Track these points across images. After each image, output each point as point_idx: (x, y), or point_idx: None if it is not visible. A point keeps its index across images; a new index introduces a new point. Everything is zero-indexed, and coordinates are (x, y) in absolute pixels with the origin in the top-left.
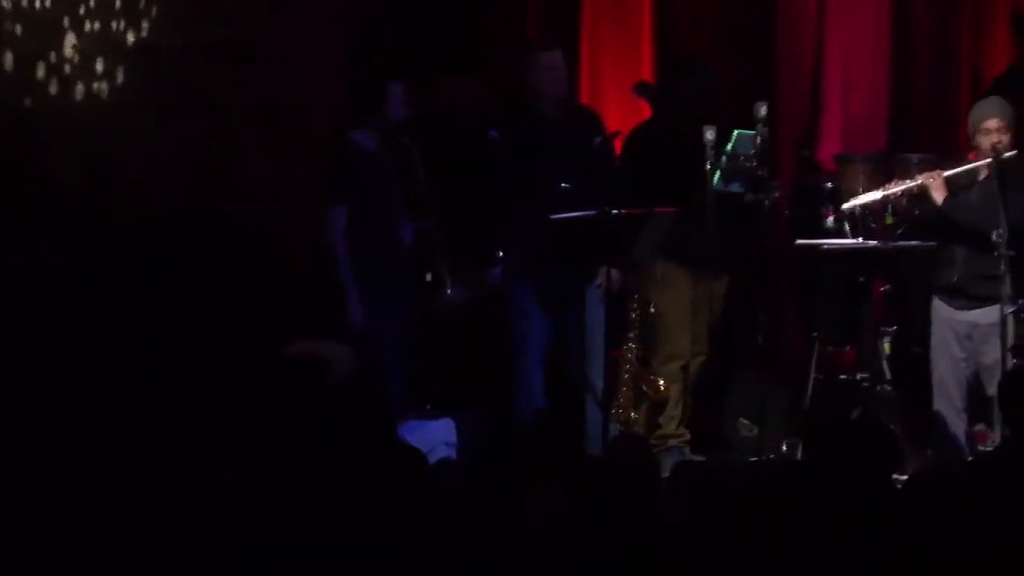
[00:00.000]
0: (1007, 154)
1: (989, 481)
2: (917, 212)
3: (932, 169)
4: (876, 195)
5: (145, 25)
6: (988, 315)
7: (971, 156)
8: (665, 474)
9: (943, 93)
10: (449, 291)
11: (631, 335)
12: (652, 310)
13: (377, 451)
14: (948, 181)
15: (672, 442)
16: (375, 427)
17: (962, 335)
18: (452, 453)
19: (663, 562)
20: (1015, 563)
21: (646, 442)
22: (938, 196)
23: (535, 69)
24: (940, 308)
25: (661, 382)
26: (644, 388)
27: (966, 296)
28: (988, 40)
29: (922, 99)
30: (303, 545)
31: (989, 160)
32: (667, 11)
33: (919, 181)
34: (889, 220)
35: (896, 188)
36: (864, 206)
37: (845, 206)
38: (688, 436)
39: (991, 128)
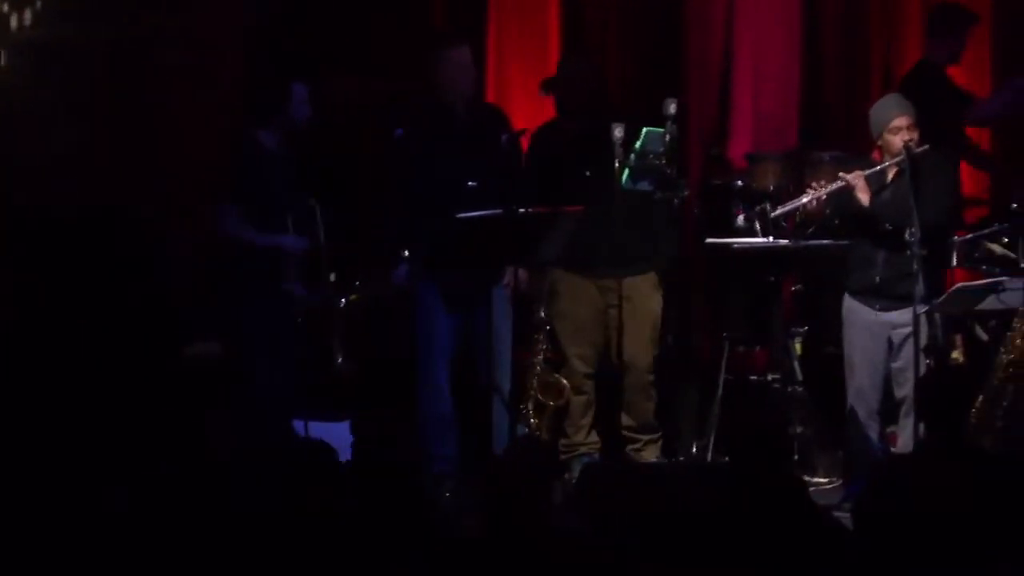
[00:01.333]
0: (919, 150)
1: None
2: (828, 212)
3: (844, 167)
4: (804, 199)
5: (29, 15)
6: (905, 315)
7: (875, 155)
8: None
9: (855, 90)
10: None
11: (539, 336)
12: (553, 314)
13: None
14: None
15: (582, 449)
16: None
17: (882, 337)
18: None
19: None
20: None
21: (547, 443)
22: (864, 197)
23: (441, 66)
24: (859, 311)
25: (566, 387)
26: (545, 394)
27: (887, 296)
28: (900, 36)
29: (834, 96)
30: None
31: (902, 157)
32: (574, 7)
33: (843, 183)
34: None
35: (822, 190)
36: (775, 204)
37: (775, 213)
38: (599, 443)
39: (901, 126)
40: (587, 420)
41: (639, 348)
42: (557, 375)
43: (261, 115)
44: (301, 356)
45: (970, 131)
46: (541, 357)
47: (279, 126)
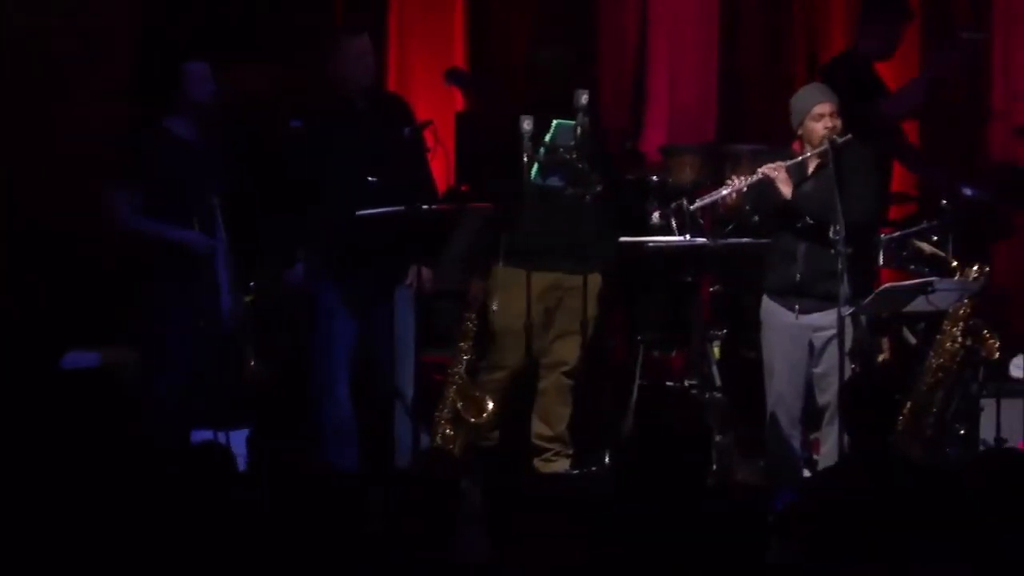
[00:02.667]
0: (842, 139)
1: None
2: (747, 207)
3: (765, 160)
4: (723, 192)
5: None
6: (828, 317)
7: (795, 146)
8: None
9: (776, 80)
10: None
11: (464, 346)
12: (495, 307)
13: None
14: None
15: (486, 442)
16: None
17: (803, 340)
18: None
19: None
20: None
21: (454, 457)
22: (785, 190)
23: (340, 55)
24: (778, 313)
25: (488, 404)
26: (465, 409)
27: (808, 297)
28: (823, 23)
29: (753, 86)
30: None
31: (825, 147)
32: None
33: (763, 174)
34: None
35: (741, 183)
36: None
37: (694, 205)
38: (495, 442)
39: (824, 113)
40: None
41: (568, 350)
42: (480, 392)
43: (160, 99)
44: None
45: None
46: (463, 368)
47: (186, 110)
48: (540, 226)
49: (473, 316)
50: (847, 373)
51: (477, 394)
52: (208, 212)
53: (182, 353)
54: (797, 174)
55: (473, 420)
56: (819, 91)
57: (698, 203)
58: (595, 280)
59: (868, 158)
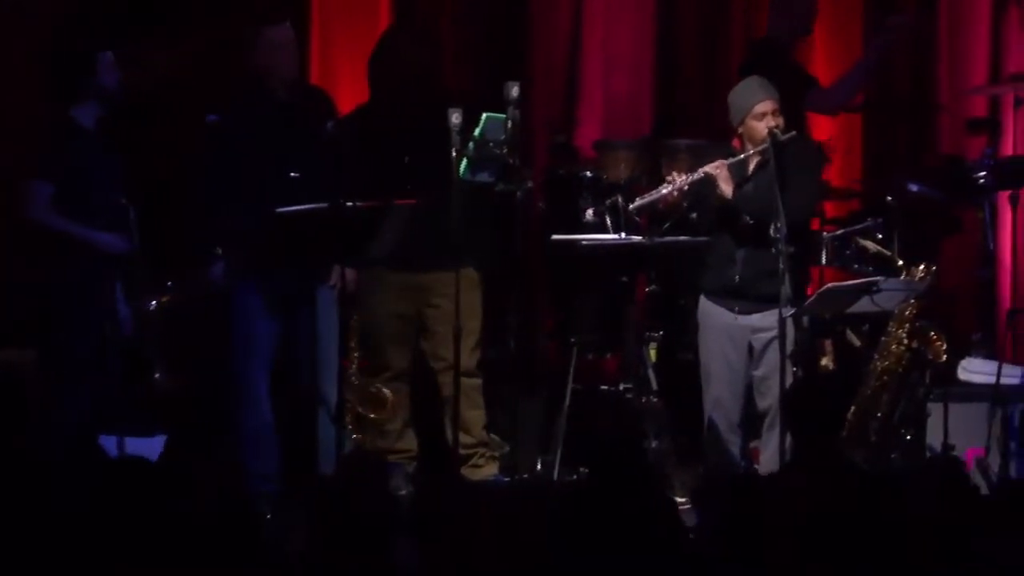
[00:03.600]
0: (785, 137)
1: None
2: (685, 205)
3: (703, 155)
4: (663, 190)
5: None
6: (768, 319)
7: (735, 143)
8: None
9: (714, 72)
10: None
11: (353, 344)
12: (367, 318)
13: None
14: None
15: (391, 457)
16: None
17: (742, 343)
18: None
19: None
20: None
21: (381, 461)
22: (727, 188)
23: (260, 45)
24: (716, 314)
25: (388, 397)
26: (366, 406)
27: (748, 298)
28: (762, 12)
29: (691, 78)
30: None
31: (768, 145)
32: None
33: (704, 173)
34: None
35: (682, 180)
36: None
37: (634, 205)
38: (414, 451)
39: (766, 111)
40: (397, 424)
41: (452, 351)
42: (379, 385)
43: (69, 88)
44: (117, 369)
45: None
46: (355, 367)
47: (92, 98)
48: (400, 224)
49: (357, 312)
50: (788, 377)
51: (374, 389)
52: (118, 213)
53: (87, 357)
54: (738, 172)
55: (374, 416)
56: (760, 88)
57: (638, 202)
58: (468, 276)
59: (809, 154)
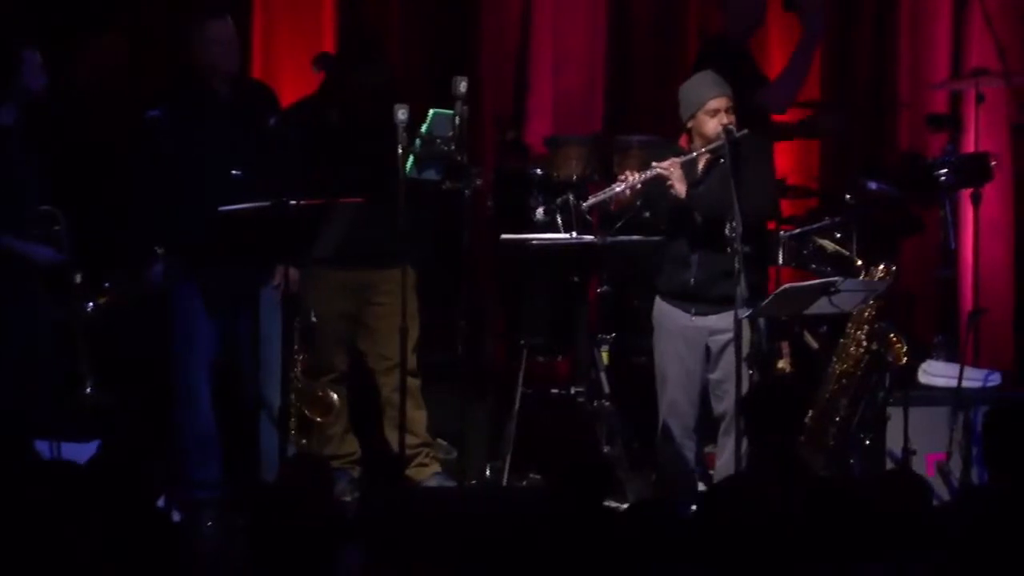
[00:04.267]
0: (739, 134)
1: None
2: (638, 203)
3: (656, 152)
4: (616, 189)
5: None
6: (724, 320)
7: (681, 142)
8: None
9: (668, 67)
10: None
11: (296, 346)
12: (313, 318)
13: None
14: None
15: (335, 463)
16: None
17: (698, 345)
18: None
19: None
20: None
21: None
22: (680, 188)
23: (200, 39)
24: (671, 316)
25: (334, 401)
26: (312, 409)
27: (703, 299)
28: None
29: (643, 73)
30: None
31: (722, 142)
32: None
33: (657, 171)
34: None
35: (636, 178)
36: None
37: (587, 204)
38: (357, 453)
39: (719, 108)
40: (339, 428)
41: (393, 350)
42: (325, 389)
43: None
44: (49, 375)
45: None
46: (299, 370)
47: (13, 99)
48: (342, 221)
49: (299, 313)
50: (745, 380)
51: (320, 392)
52: (44, 220)
53: (13, 360)
54: (689, 170)
55: (320, 419)
56: (713, 83)
57: (591, 200)
58: (407, 275)
59: (763, 151)
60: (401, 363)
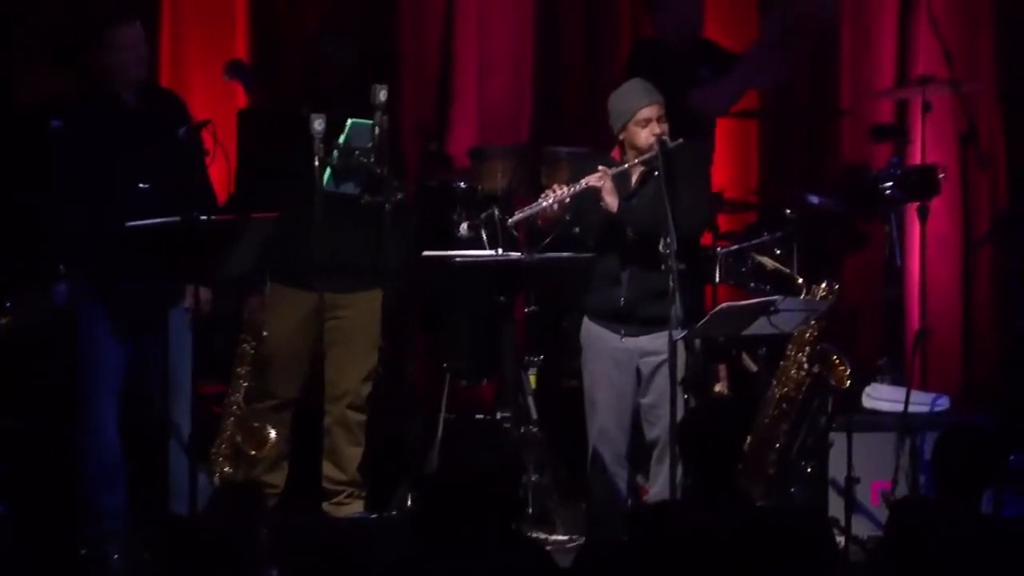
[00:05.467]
0: (673, 144)
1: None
2: (568, 218)
3: (586, 164)
4: (543, 203)
5: None
6: (657, 341)
7: (613, 154)
8: None
9: (599, 74)
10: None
11: (241, 371)
12: (264, 332)
13: None
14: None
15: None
16: None
17: (629, 368)
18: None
19: None
20: None
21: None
22: (611, 201)
23: (107, 45)
24: (601, 337)
25: (271, 436)
26: (247, 441)
27: (635, 319)
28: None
29: (573, 80)
30: None
31: (655, 153)
32: None
33: (587, 184)
34: None
35: (563, 193)
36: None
37: (512, 219)
38: (281, 487)
39: (650, 117)
40: (272, 455)
41: (351, 381)
42: (262, 421)
43: None
44: None
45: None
46: (241, 396)
47: None
48: (308, 239)
49: (249, 338)
50: (679, 405)
51: (257, 424)
52: None
53: None
54: (621, 183)
55: (254, 453)
56: (643, 91)
57: (516, 216)
58: (374, 299)
59: (699, 162)
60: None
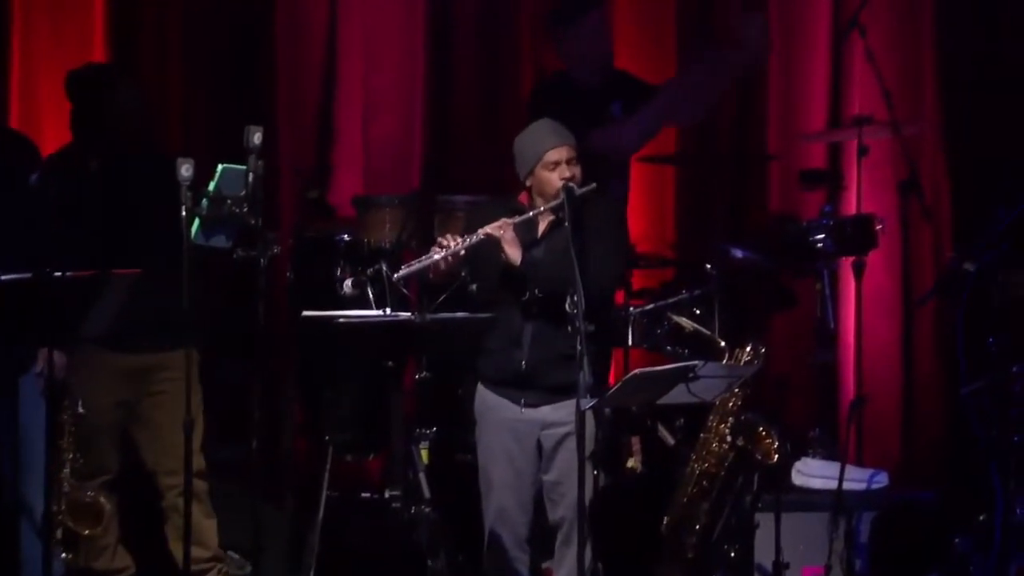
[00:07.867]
0: (583, 190)
1: None
2: (464, 274)
3: (486, 215)
4: (434, 256)
5: None
6: (561, 411)
7: (521, 198)
8: None
9: (496, 116)
10: None
11: (63, 443)
12: (81, 409)
13: None
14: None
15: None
16: None
17: (530, 441)
18: None
19: None
20: None
21: None
22: (513, 253)
23: None
24: (498, 407)
25: (105, 508)
26: (78, 520)
27: (537, 387)
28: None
29: (468, 124)
30: None
31: (562, 200)
32: (125, 9)
33: (485, 235)
34: None
35: (459, 244)
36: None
37: (398, 275)
38: (133, 568)
39: (559, 160)
40: (111, 539)
41: (177, 453)
42: (94, 493)
43: None
44: None
45: None
46: (68, 469)
47: None
48: (117, 296)
49: (67, 405)
50: (588, 482)
51: (88, 499)
52: None
53: None
54: (526, 234)
55: (89, 532)
56: (552, 132)
57: (403, 271)
58: (192, 359)
59: (612, 210)
60: (187, 463)
